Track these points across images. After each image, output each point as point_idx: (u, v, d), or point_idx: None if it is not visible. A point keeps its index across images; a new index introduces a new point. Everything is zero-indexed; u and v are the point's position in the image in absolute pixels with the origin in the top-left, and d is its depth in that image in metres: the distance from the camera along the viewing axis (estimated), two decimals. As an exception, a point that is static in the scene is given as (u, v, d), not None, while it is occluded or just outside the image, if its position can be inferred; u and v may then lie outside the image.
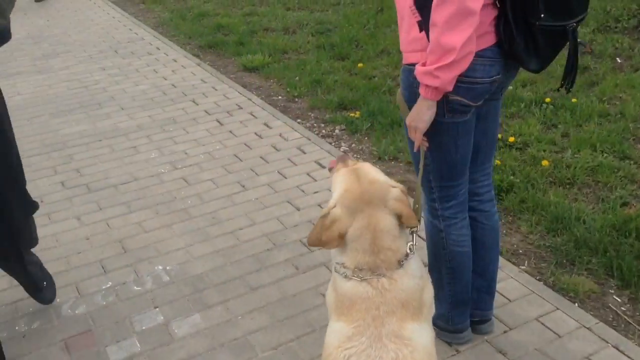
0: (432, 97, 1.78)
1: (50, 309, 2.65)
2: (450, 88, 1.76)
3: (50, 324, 2.57)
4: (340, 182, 1.75)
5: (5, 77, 5.49)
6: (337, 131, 4.29)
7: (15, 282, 2.81)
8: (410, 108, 1.89)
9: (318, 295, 2.63)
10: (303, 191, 3.47)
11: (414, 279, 1.66)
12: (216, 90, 4.93)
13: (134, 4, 8.15)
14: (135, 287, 2.76)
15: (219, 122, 4.36)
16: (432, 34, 1.68)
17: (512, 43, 1.80)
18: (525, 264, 2.80)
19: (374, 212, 1.66)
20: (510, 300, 2.55)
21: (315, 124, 4.40)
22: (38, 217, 3.22)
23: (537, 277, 2.70)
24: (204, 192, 3.48)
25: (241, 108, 4.56)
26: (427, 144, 1.93)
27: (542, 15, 1.74)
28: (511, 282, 2.65)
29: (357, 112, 4.44)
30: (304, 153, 3.89)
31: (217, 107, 4.60)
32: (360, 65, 5.31)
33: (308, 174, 3.64)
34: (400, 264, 1.65)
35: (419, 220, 1.80)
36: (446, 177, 2.05)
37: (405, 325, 1.58)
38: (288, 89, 4.99)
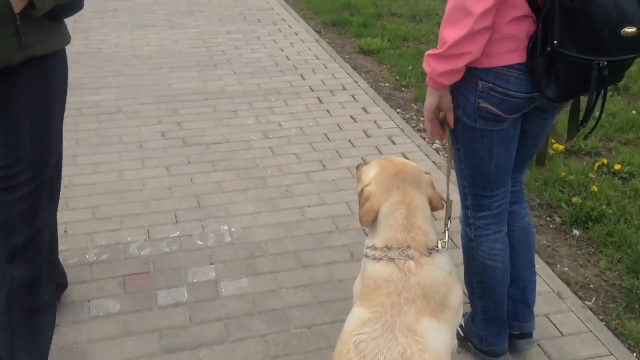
0: (429, 83, 1.78)
1: (120, 246, 2.86)
2: (443, 81, 1.73)
3: (116, 259, 2.77)
4: (374, 165, 1.81)
5: (141, 27, 5.89)
6: (434, 127, 4.18)
7: (97, 214, 3.07)
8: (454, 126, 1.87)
9: (365, 286, 2.62)
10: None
11: (442, 272, 1.64)
12: (326, 68, 4.98)
13: None
14: (198, 241, 2.90)
15: (319, 99, 4.41)
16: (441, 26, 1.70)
17: (534, 62, 1.68)
18: (592, 300, 2.60)
19: (409, 189, 1.71)
20: (562, 334, 2.38)
21: (414, 116, 4.33)
22: (132, 161, 3.50)
23: (600, 317, 2.50)
24: (285, 164, 3.55)
25: (345, 89, 4.58)
26: (444, 139, 1.96)
27: (555, 42, 1.61)
28: (570, 315, 2.48)
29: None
30: (394, 144, 3.84)
31: (321, 85, 4.65)
32: (478, 64, 5.11)
33: (391, 165, 3.60)
34: (429, 251, 1.65)
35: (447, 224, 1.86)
36: (479, 185, 1.98)
37: (422, 320, 1.54)
38: (397, 77, 4.93)
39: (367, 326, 1.53)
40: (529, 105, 1.79)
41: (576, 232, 3.03)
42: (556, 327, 2.42)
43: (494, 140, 1.86)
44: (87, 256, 2.78)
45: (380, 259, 1.64)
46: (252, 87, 4.59)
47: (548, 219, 3.18)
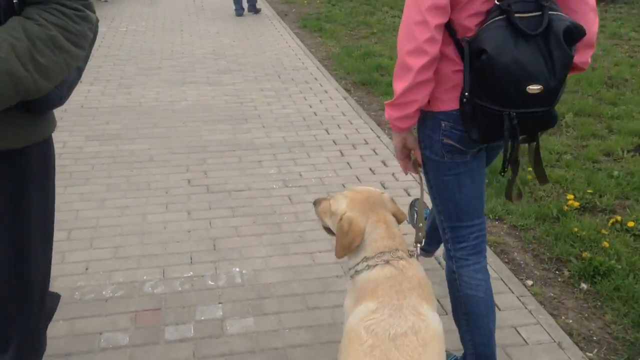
0: (392, 128, 2.06)
1: (136, 283, 3.00)
2: (400, 125, 2.00)
3: (130, 296, 2.91)
4: (343, 196, 2.07)
5: (181, 84, 6.24)
6: (452, 181, 4.26)
7: (118, 253, 3.24)
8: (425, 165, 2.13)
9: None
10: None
11: (423, 271, 1.92)
12: (351, 124, 5.16)
13: (312, 36, 8.76)
14: (209, 282, 3.02)
15: (341, 152, 4.56)
16: None
17: (462, 109, 1.91)
18: (594, 352, 2.58)
19: (379, 209, 1.99)
20: (560, 385, 2.37)
21: (433, 171, 4.41)
22: (157, 205, 3.68)
23: (600, 369, 2.48)
24: (301, 212, 3.68)
25: (367, 143, 4.72)
26: (416, 170, 2.19)
27: (467, 93, 1.85)
28: (537, 329, 2.47)
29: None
30: (408, 195, 3.93)
31: (345, 139, 4.82)
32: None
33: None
34: (410, 253, 1.94)
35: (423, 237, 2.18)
36: (454, 217, 2.14)
37: (423, 304, 1.78)
38: (420, 134, 5.05)
39: (376, 313, 1.74)
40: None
41: (584, 285, 3.02)
42: (554, 377, 2.41)
43: (460, 172, 2.06)
44: (103, 292, 2.93)
45: (375, 265, 1.88)
46: (278, 139, 4.79)
47: (557, 272, 3.18)
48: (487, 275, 2.19)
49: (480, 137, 1.90)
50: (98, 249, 3.28)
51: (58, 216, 3.54)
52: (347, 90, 6.16)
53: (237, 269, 3.12)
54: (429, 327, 1.71)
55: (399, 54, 1.88)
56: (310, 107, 5.57)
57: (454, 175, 2.05)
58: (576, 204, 3.74)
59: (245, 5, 9.94)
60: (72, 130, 4.93)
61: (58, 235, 3.33)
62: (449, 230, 2.17)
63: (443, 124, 1.96)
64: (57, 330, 2.64)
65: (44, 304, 1.83)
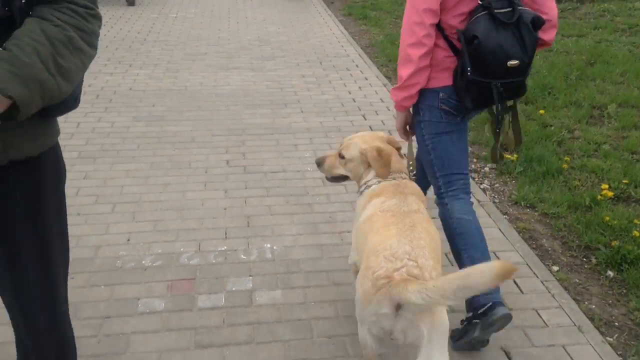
0: (397, 108, 2.68)
1: (173, 255, 3.17)
2: (405, 104, 2.60)
3: (168, 266, 3.08)
4: (351, 143, 2.57)
5: (226, 69, 6.41)
6: (486, 168, 4.29)
7: (157, 227, 3.41)
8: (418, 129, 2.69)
9: (388, 306, 2.77)
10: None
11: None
12: (389, 110, 5.22)
13: (357, 24, 8.81)
14: (242, 256, 3.16)
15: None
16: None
17: (456, 84, 2.49)
18: (614, 337, 2.60)
19: (384, 143, 2.56)
20: (576, 366, 2.41)
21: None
22: (196, 184, 3.84)
23: (619, 352, 2.50)
24: (333, 193, 3.78)
25: (403, 130, 4.77)
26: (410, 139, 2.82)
27: (469, 72, 2.40)
28: (588, 349, 2.51)
29: (515, 155, 4.37)
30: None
31: (381, 125, 4.88)
32: (541, 112, 5.17)
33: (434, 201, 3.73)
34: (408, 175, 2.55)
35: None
36: (447, 167, 2.65)
37: (421, 204, 2.34)
38: (457, 121, 5.07)
39: (387, 202, 2.30)
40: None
41: (610, 273, 3.03)
42: (572, 358, 2.45)
43: (453, 130, 2.61)
44: (143, 262, 3.10)
45: (379, 182, 2.44)
46: (316, 124, 4.90)
47: (584, 259, 3.19)
48: (473, 210, 2.68)
49: (473, 104, 2.49)
50: (140, 222, 3.47)
51: (105, 191, 3.78)
52: (388, 78, 6.21)
53: (268, 245, 3.25)
54: (427, 220, 2.25)
55: (402, 47, 2.47)
56: (350, 93, 5.65)
57: (449, 133, 2.60)
58: (610, 193, 3.72)
59: None
60: (120, 111, 5.16)
61: (103, 208, 3.57)
62: (441, 178, 2.67)
63: (441, 94, 2.53)
64: (98, 295, 2.84)
65: (65, 301, 1.82)
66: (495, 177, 4.16)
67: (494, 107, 2.58)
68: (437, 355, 1.91)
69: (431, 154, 2.65)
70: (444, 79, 2.51)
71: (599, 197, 3.70)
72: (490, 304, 2.38)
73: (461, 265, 2.53)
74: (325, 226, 3.43)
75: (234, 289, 2.91)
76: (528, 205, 3.76)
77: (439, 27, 2.46)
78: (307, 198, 3.74)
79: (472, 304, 2.44)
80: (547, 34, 2.54)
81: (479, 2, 2.39)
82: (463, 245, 2.56)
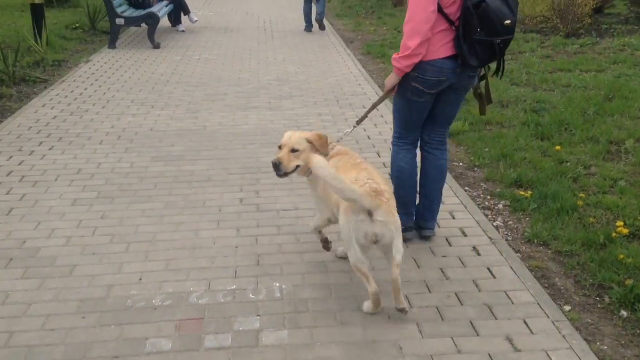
0: (397, 73, 3.26)
1: (183, 294, 3.20)
2: (406, 70, 3.19)
3: (177, 305, 3.11)
4: (298, 138, 3.24)
5: (244, 109, 6.53)
6: (499, 205, 4.26)
7: (169, 265, 3.45)
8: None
9: (395, 347, 2.75)
10: (433, 253, 3.57)
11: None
12: (404, 147, 5.23)
13: (375, 62, 8.93)
14: (250, 295, 3.18)
15: (390, 175, 4.64)
16: (403, 37, 3.17)
17: (460, 49, 3.12)
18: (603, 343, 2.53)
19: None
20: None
21: (481, 194, 4.43)
22: (209, 222, 3.89)
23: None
24: (344, 232, 3.79)
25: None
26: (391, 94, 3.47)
27: (478, 30, 3.07)
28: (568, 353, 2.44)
29: (529, 192, 4.34)
30: (453, 219, 3.97)
31: (395, 162, 4.90)
32: (557, 148, 5.14)
33: (446, 239, 3.72)
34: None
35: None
36: (402, 126, 3.52)
37: (360, 158, 3.25)
38: (472, 157, 5.08)
39: (340, 160, 3.22)
40: (440, 85, 3.26)
41: (624, 312, 2.97)
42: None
43: (414, 106, 3.37)
44: (153, 301, 3.14)
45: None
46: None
47: (597, 298, 3.14)
48: (414, 160, 3.57)
49: (478, 62, 3.17)
50: (152, 261, 3.52)
51: (120, 230, 3.86)
52: (404, 115, 6.24)
53: (277, 284, 3.27)
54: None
55: (413, 20, 3.09)
56: (364, 130, 5.69)
57: (409, 107, 3.39)
58: (625, 230, 3.66)
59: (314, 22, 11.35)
60: (140, 151, 5.28)
61: (118, 247, 3.64)
62: (396, 131, 3.56)
63: (411, 73, 3.23)
64: (108, 334, 2.88)
65: None
66: (509, 214, 4.14)
67: (499, 60, 3.27)
68: (400, 243, 2.89)
69: (396, 112, 3.49)
70: (426, 55, 3.16)
71: (614, 234, 3.64)
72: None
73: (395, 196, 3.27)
74: (334, 264, 3.44)
75: (241, 328, 2.92)
76: (541, 242, 3.72)
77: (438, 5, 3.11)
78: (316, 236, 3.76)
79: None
80: None
81: None
82: (395, 184, 3.52)
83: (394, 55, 3.23)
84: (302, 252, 3.58)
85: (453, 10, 3.15)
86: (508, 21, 3.07)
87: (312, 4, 11.27)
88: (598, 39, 9.92)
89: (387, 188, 2.94)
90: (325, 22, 11.70)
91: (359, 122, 3.65)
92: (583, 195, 4.26)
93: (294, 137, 3.23)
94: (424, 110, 3.41)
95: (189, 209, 4.17)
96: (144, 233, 3.84)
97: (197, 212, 4.13)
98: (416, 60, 3.14)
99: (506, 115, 6.12)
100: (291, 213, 4.07)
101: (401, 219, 3.15)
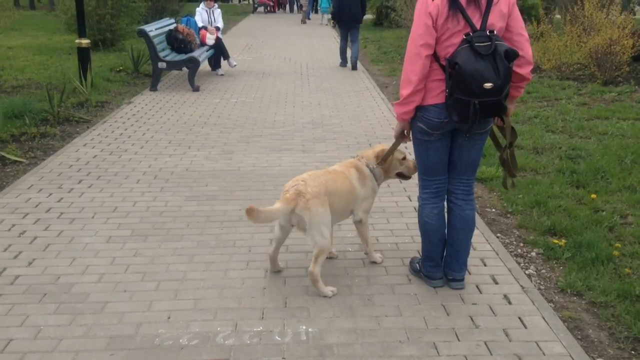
0: (398, 119, 3.46)
1: (210, 334, 3.21)
2: (404, 117, 3.36)
3: (203, 345, 3.12)
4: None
5: (278, 151, 6.63)
6: (532, 253, 4.19)
7: (198, 305, 3.48)
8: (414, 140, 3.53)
9: (420, 395, 2.69)
10: (463, 301, 3.52)
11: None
12: (435, 192, 5.21)
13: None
14: (277, 337, 3.18)
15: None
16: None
17: (447, 102, 3.19)
18: None
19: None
20: None
21: (514, 242, 4.37)
22: (239, 262, 3.90)
23: None
24: (373, 275, 3.78)
25: (448, 212, 4.76)
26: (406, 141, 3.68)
27: (450, 90, 3.13)
28: None
29: (564, 240, 4.26)
30: (484, 265, 3.92)
31: (426, 207, 4.88)
32: (593, 196, 5.06)
33: (477, 286, 3.67)
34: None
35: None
36: (423, 172, 3.55)
37: (352, 171, 3.83)
38: (505, 204, 5.02)
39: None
40: (444, 126, 3.29)
41: (661, 368, 2.85)
42: None
43: (428, 147, 3.42)
44: (180, 340, 3.16)
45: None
46: (361, 205, 4.94)
47: (632, 352, 3.03)
48: (442, 213, 3.57)
49: (458, 119, 3.15)
50: (181, 300, 3.55)
51: (152, 268, 3.92)
52: (436, 160, 6.24)
53: (304, 327, 3.25)
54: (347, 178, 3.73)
55: (404, 71, 3.22)
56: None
57: (423, 148, 3.44)
58: (663, 282, 3.55)
59: (349, 61, 12.68)
60: (175, 190, 5.39)
61: (149, 285, 3.69)
62: (420, 179, 3.58)
63: (418, 113, 3.32)
64: (134, 371, 2.89)
65: None
66: (542, 263, 4.06)
67: (471, 122, 3.19)
68: (315, 233, 3.47)
69: (417, 159, 3.55)
70: (425, 100, 3.25)
71: (652, 285, 3.53)
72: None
73: (422, 250, 3.71)
74: (362, 309, 3.42)
75: (265, 370, 2.91)
76: (575, 293, 3.64)
77: (435, 56, 3.18)
78: (346, 279, 3.75)
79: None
80: (523, 69, 3.21)
81: (464, 36, 3.08)
82: (422, 239, 3.64)
83: (395, 102, 3.40)
84: (331, 296, 3.57)
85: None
86: (489, 84, 3.00)
87: (347, 45, 12.75)
88: (636, 87, 9.82)
89: (311, 190, 3.46)
90: (360, 66, 12.00)
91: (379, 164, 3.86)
92: (619, 245, 4.16)
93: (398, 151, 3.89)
94: (439, 152, 3.40)
95: (219, 249, 4.22)
96: (174, 272, 3.89)
97: (227, 252, 4.17)
98: (410, 107, 3.26)
99: (541, 162, 6.06)
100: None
101: (429, 270, 3.65)
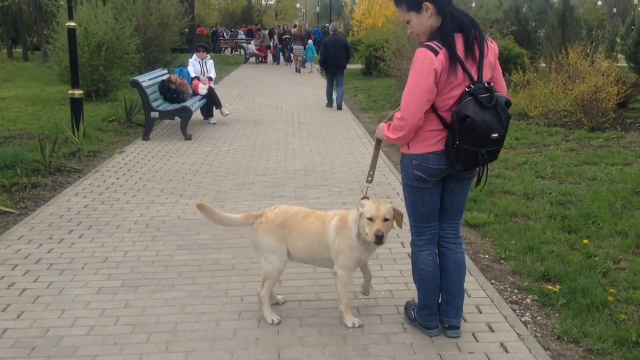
0: (385, 138, 3.45)
1: (202, 386, 3.14)
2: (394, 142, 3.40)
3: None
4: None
5: (270, 198, 6.64)
6: (528, 300, 4.16)
7: (189, 357, 3.40)
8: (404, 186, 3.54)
9: None
10: (459, 349, 3.47)
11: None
12: (428, 239, 5.21)
13: (399, 153, 9.04)
14: (270, 390, 3.10)
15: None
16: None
17: (448, 152, 3.24)
18: None
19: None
20: None
21: (508, 288, 4.34)
22: (231, 312, 3.85)
23: None
24: (367, 324, 3.71)
25: (441, 259, 4.75)
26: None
27: (457, 143, 3.18)
28: None
29: (558, 286, 4.25)
30: (479, 313, 3.88)
31: (419, 254, 4.87)
32: (585, 241, 5.07)
33: (473, 334, 3.63)
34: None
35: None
36: (418, 220, 3.52)
37: (326, 218, 3.83)
38: (498, 250, 5.02)
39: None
40: (442, 173, 3.33)
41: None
42: None
43: (424, 193, 3.42)
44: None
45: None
46: (354, 253, 4.92)
47: (633, 401, 2.98)
48: (436, 259, 3.56)
49: (463, 167, 3.26)
50: (172, 352, 3.48)
51: (142, 320, 3.85)
52: (428, 206, 6.26)
53: (298, 380, 3.18)
54: (325, 222, 3.76)
55: (405, 116, 3.18)
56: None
57: (419, 195, 3.44)
58: (659, 327, 3.53)
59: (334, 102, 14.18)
60: (166, 240, 5.35)
61: (139, 337, 3.63)
62: (413, 227, 3.56)
63: (414, 162, 3.34)
64: None
65: None
66: (538, 309, 4.03)
67: (480, 169, 3.39)
68: (261, 257, 3.83)
69: (408, 207, 3.54)
70: (422, 148, 3.29)
71: (648, 330, 3.51)
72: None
73: (418, 299, 3.67)
74: (358, 359, 3.36)
75: None
76: (571, 340, 3.60)
77: (432, 107, 3.23)
78: (340, 329, 3.70)
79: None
80: None
81: (466, 89, 3.18)
82: (418, 287, 3.61)
83: (386, 126, 3.41)
84: (324, 345, 3.51)
85: (448, 116, 3.25)
86: (495, 135, 3.16)
87: (333, 88, 14.54)
88: (623, 132, 9.98)
89: (267, 217, 3.77)
90: (351, 114, 12.25)
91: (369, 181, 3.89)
92: (613, 290, 4.15)
93: (383, 208, 3.46)
94: (434, 198, 3.43)
95: (211, 299, 4.16)
96: (165, 323, 3.82)
97: (219, 301, 4.11)
98: (404, 143, 3.36)
99: (532, 207, 6.09)
100: (313, 304, 4.03)
101: (426, 320, 3.62)
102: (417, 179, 3.35)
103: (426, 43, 3.20)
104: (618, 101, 10.90)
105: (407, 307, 3.84)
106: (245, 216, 3.89)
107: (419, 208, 3.46)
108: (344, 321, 3.74)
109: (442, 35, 3.18)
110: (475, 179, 3.45)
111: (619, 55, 20.15)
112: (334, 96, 14.25)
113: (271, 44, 33.44)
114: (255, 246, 3.83)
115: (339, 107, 13.99)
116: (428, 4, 3.23)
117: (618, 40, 23.47)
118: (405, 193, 3.53)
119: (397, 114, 3.26)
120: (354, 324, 3.70)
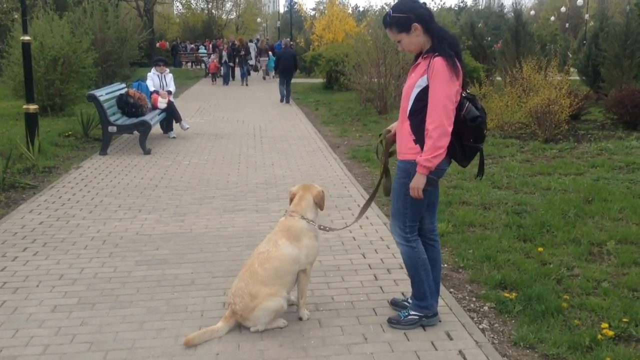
0: (424, 172, 3.48)
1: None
2: (434, 167, 3.49)
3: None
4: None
5: (231, 212, 6.60)
6: (485, 307, 4.24)
7: (146, 373, 3.33)
8: (403, 188, 3.65)
9: None
10: (419, 358, 3.50)
11: (302, 224, 3.97)
12: (389, 248, 5.27)
13: (360, 166, 9.15)
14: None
15: (375, 276, 4.66)
16: (429, 140, 3.45)
17: (455, 153, 3.58)
18: None
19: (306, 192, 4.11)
20: None
21: (466, 297, 4.41)
22: (191, 328, 3.81)
23: None
24: (328, 336, 3.73)
25: (402, 268, 4.79)
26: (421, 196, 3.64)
27: (471, 140, 3.58)
28: None
29: (514, 294, 4.34)
30: (439, 321, 3.92)
31: (380, 264, 4.92)
32: (540, 249, 5.19)
33: (432, 343, 3.67)
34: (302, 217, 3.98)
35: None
36: (416, 220, 3.76)
37: (282, 239, 3.92)
38: (456, 259, 5.10)
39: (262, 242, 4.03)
40: (445, 173, 3.70)
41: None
42: None
43: (429, 195, 3.66)
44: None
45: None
46: (315, 264, 4.91)
47: (586, 403, 3.05)
48: (431, 248, 3.91)
49: (466, 163, 3.67)
50: (130, 369, 3.42)
51: (99, 337, 3.77)
52: (387, 216, 6.32)
53: (259, 392, 3.16)
54: (278, 251, 3.83)
55: (441, 125, 3.40)
56: (350, 232, 5.74)
57: (426, 197, 3.60)
58: (611, 333, 3.64)
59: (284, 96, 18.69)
60: (124, 255, 5.26)
61: (96, 356, 3.55)
62: (409, 227, 3.74)
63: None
64: None
65: None
66: (495, 317, 4.10)
67: (481, 160, 3.76)
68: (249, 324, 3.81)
69: (407, 209, 3.69)
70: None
71: (600, 337, 3.61)
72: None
73: (424, 290, 3.85)
74: (317, 371, 3.36)
75: None
76: (528, 346, 3.68)
77: None
78: (302, 341, 3.69)
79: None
80: None
81: (463, 95, 3.56)
82: (425, 275, 3.81)
83: (422, 157, 3.45)
84: (285, 358, 3.50)
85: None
86: (487, 131, 3.64)
87: (284, 87, 19.17)
88: (576, 144, 10.29)
89: (242, 301, 3.76)
90: (312, 127, 12.24)
91: (358, 219, 4.27)
92: (567, 297, 4.26)
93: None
94: (431, 197, 3.76)
95: (170, 314, 4.10)
96: (123, 340, 3.75)
97: (178, 317, 4.06)
98: (443, 157, 3.51)
99: (488, 217, 6.22)
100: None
101: (435, 307, 3.89)
102: (430, 182, 3.55)
103: (437, 54, 3.44)
104: (571, 113, 11.24)
105: (405, 315, 3.90)
106: (225, 319, 3.82)
107: (420, 208, 3.71)
108: (299, 315, 4.00)
109: (443, 47, 3.47)
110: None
111: (571, 69, 20.81)
112: (285, 93, 19.09)
113: (214, 59, 28.32)
114: (252, 322, 3.81)
115: (287, 101, 18.98)
116: (416, 24, 3.51)
117: (570, 54, 24.20)
118: (405, 198, 3.64)
119: (430, 126, 3.42)
120: (307, 316, 3.99)
